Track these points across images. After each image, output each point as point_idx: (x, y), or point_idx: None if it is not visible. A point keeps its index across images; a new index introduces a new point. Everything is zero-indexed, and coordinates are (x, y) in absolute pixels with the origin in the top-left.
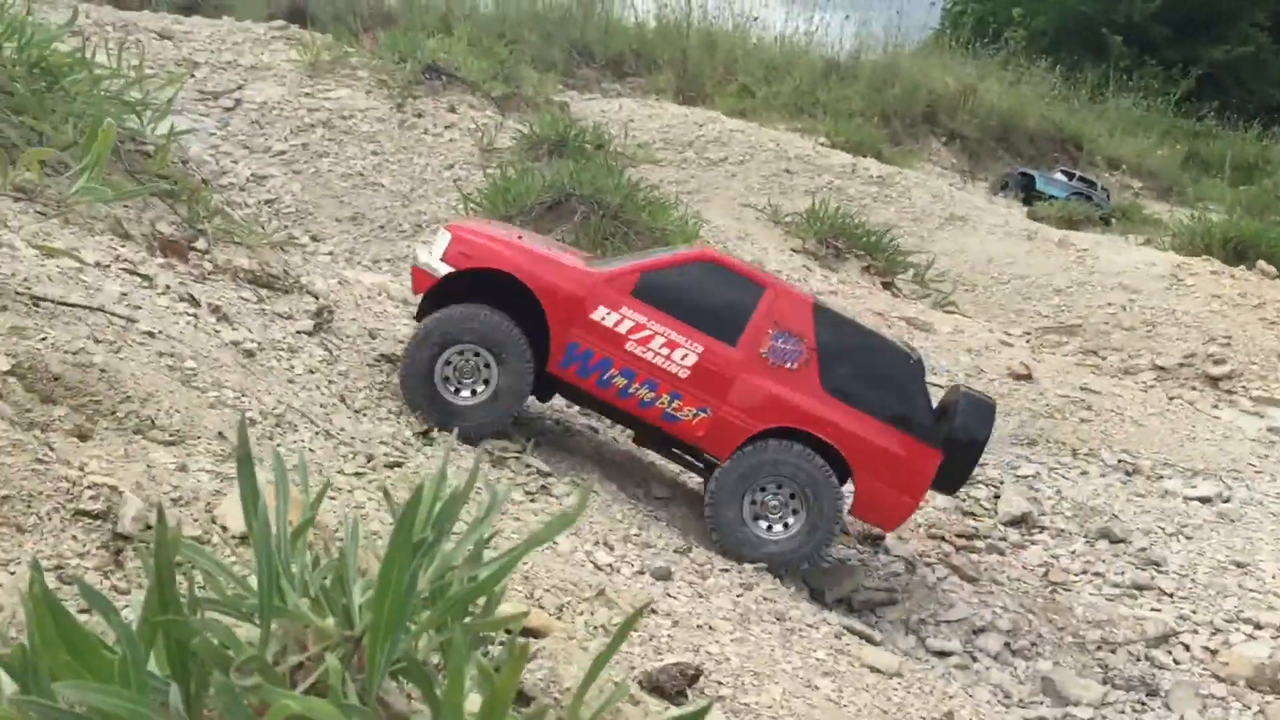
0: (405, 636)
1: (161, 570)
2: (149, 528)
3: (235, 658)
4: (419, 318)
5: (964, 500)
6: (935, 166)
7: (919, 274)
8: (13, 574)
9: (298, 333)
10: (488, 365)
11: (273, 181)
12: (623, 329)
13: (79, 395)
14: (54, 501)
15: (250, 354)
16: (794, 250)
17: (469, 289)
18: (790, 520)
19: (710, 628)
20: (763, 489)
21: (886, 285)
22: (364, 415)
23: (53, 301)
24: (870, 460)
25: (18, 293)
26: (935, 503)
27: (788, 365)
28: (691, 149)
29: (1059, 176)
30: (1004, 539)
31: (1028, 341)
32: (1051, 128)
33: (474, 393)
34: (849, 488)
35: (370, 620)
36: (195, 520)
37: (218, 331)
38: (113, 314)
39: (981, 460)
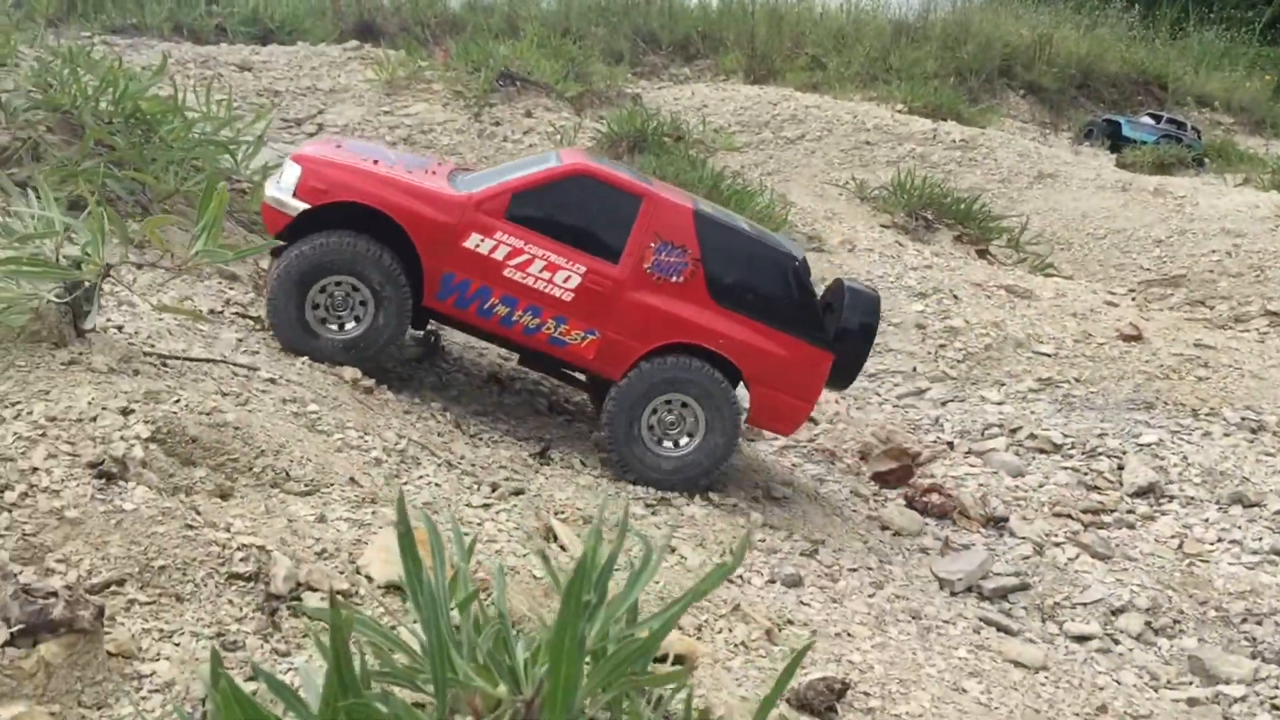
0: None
1: (338, 653)
2: (299, 585)
3: None
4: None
5: (1086, 474)
6: (1015, 121)
7: (1013, 238)
8: (177, 645)
9: (407, 361)
10: (364, 302)
11: None
12: (499, 255)
13: (216, 455)
14: (207, 567)
15: (368, 390)
16: (883, 226)
17: (331, 221)
18: (689, 436)
19: (849, 634)
20: (656, 409)
21: (981, 253)
22: (480, 440)
23: (179, 358)
24: (764, 369)
25: (145, 353)
26: (1057, 479)
27: (673, 278)
28: (768, 129)
29: (1146, 120)
30: (1132, 512)
31: (1133, 300)
32: (1133, 70)
33: (342, 326)
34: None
35: (547, 688)
36: (341, 573)
37: (333, 370)
38: (235, 364)
39: (1101, 431)
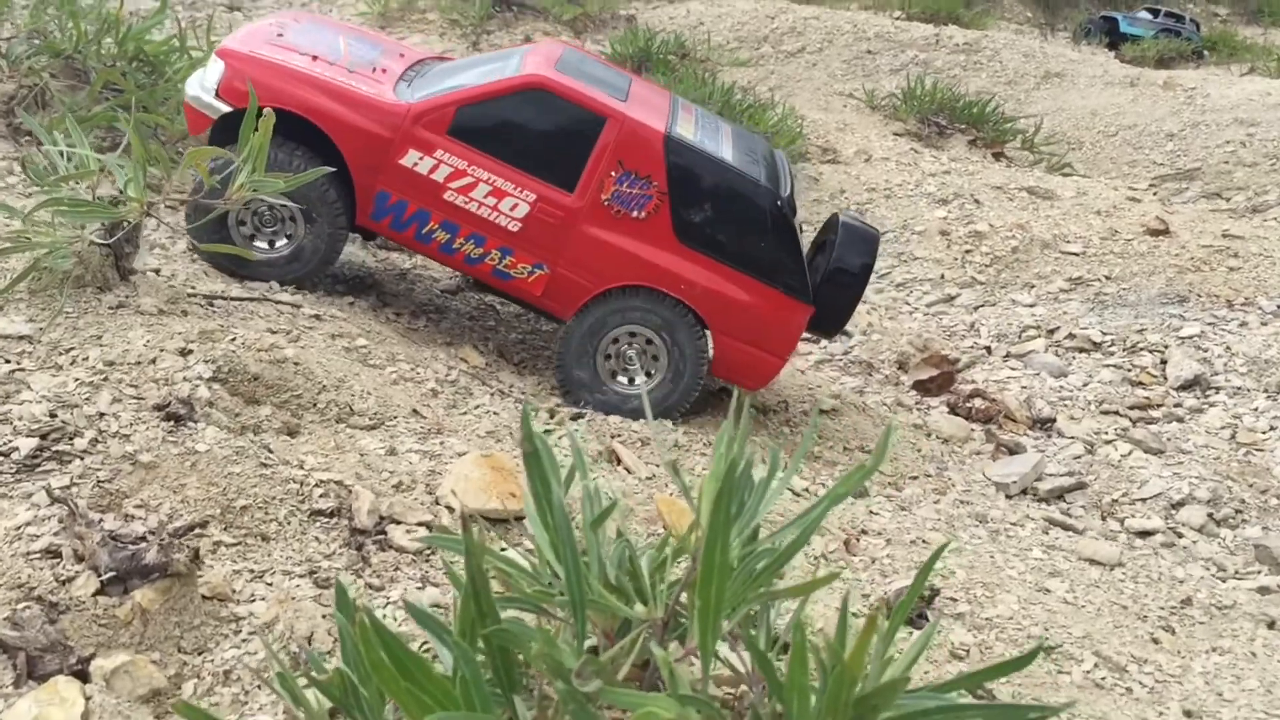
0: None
1: (475, 579)
2: (382, 519)
3: (562, 661)
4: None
5: (1130, 370)
6: (1011, 24)
7: (1028, 139)
8: (269, 585)
9: (442, 293)
10: (292, 218)
11: None
12: (439, 176)
13: (280, 392)
14: (288, 505)
15: (411, 323)
16: (896, 134)
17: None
18: (651, 370)
19: (924, 541)
20: (615, 340)
21: (997, 156)
22: (525, 368)
23: (223, 298)
24: (731, 319)
25: (189, 295)
26: (1101, 377)
27: (634, 213)
28: (766, 43)
29: (1143, 15)
30: (1180, 405)
31: (1155, 194)
32: None
33: (272, 245)
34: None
35: (699, 604)
36: (421, 504)
37: (376, 307)
38: (278, 301)
39: (1140, 326)
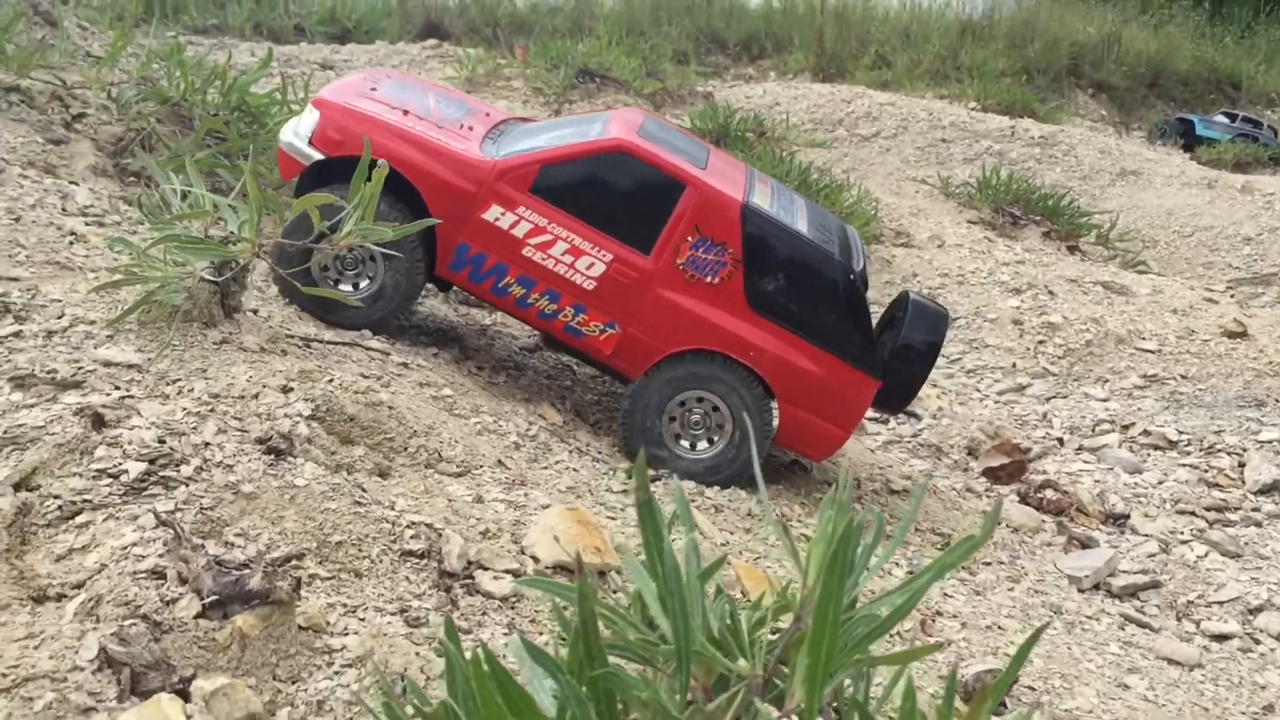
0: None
1: (586, 623)
2: (470, 564)
3: (670, 710)
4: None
5: (1207, 471)
6: (1085, 120)
7: (1103, 235)
8: (362, 620)
9: (521, 350)
10: (373, 259)
11: None
12: (519, 232)
13: (374, 434)
14: (381, 544)
15: (492, 377)
16: (970, 222)
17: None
18: (715, 437)
19: (999, 627)
20: (681, 404)
21: (1072, 249)
22: (600, 429)
23: (320, 341)
24: (797, 389)
25: (287, 336)
26: (1176, 476)
27: (708, 278)
28: (841, 126)
29: (1220, 119)
30: (1258, 510)
31: (1232, 296)
32: (1204, 68)
33: (356, 287)
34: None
35: (807, 662)
36: (508, 552)
37: (459, 359)
38: (369, 347)
39: (1218, 428)
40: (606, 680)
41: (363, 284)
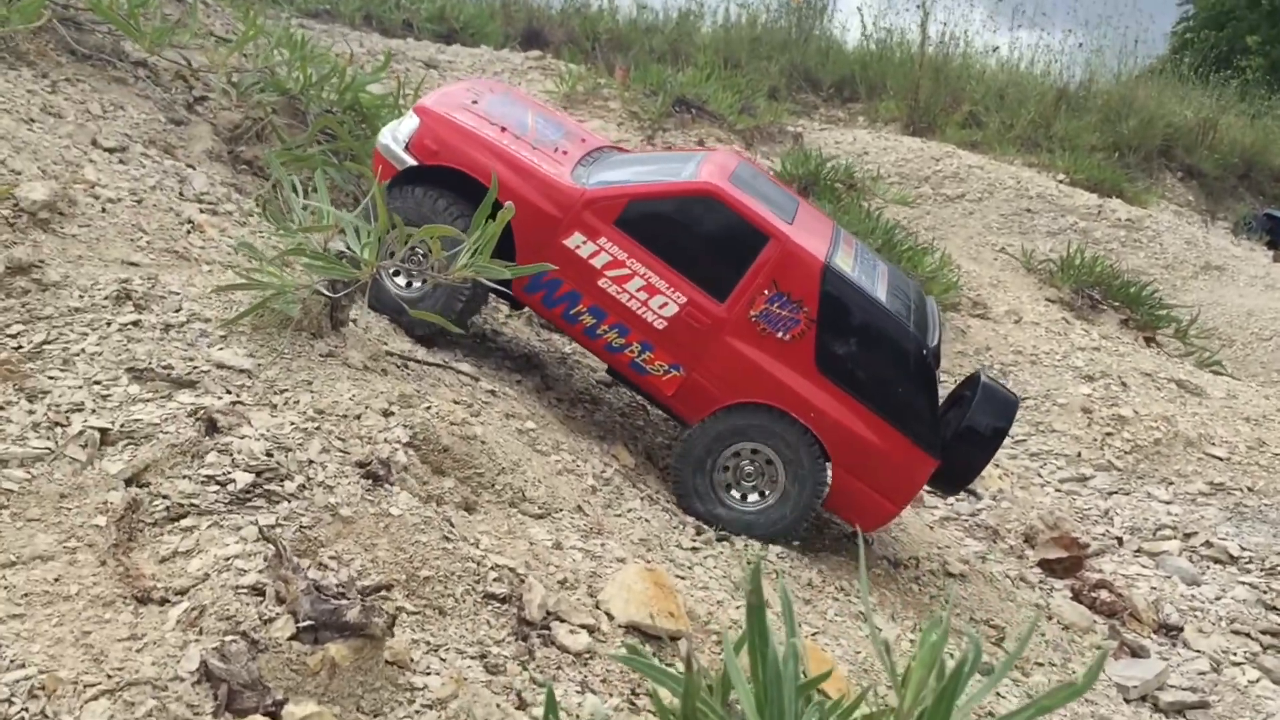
0: None
1: (688, 715)
2: (548, 614)
3: None
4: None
5: (1266, 592)
6: (1171, 204)
7: (1181, 329)
8: (443, 660)
9: (598, 383)
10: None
11: None
12: (598, 262)
13: (464, 468)
14: (465, 584)
15: (570, 410)
16: (1048, 300)
17: (441, 179)
18: (767, 490)
19: None
20: (736, 454)
21: (1149, 341)
22: (669, 476)
23: (415, 361)
24: (854, 457)
25: (386, 353)
26: (1235, 594)
27: (779, 335)
28: (927, 184)
29: None
30: None
31: None
32: None
33: (414, 283)
34: None
35: None
36: (584, 606)
37: (540, 389)
38: (459, 370)
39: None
40: None
41: (423, 283)
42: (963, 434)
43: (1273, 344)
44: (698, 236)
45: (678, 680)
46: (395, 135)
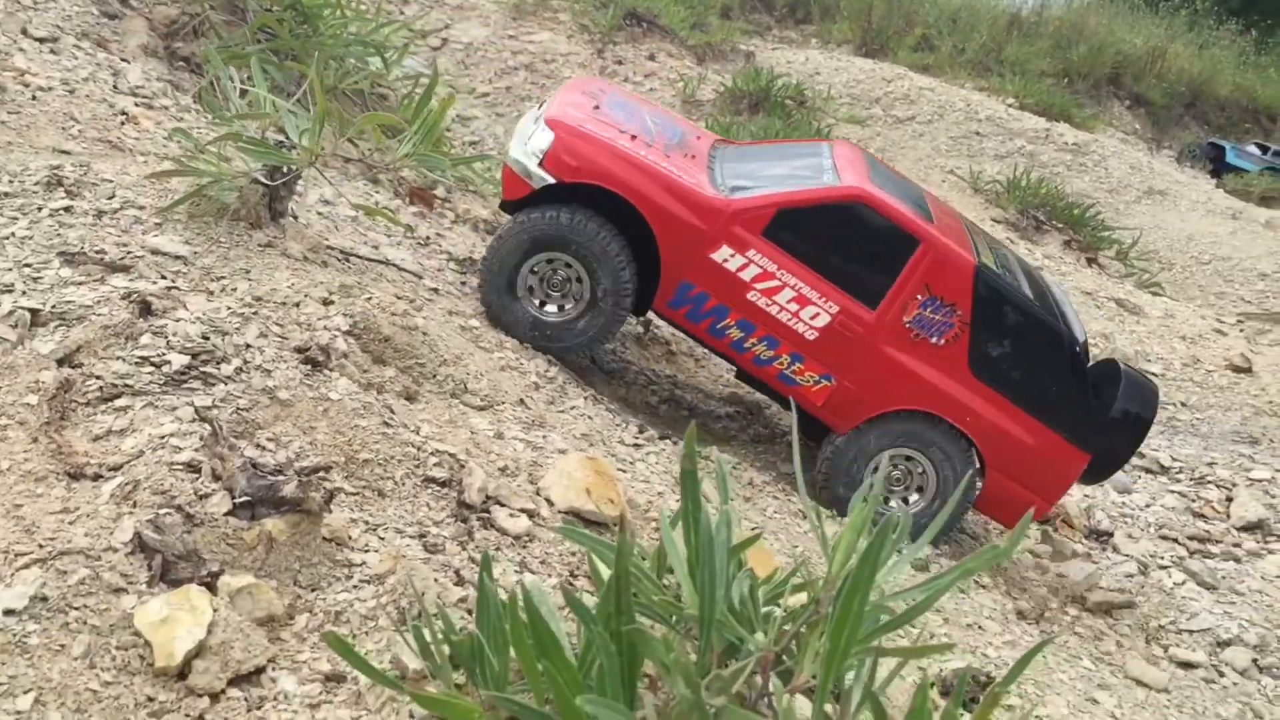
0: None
1: (621, 579)
2: (488, 498)
3: (693, 672)
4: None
5: (1194, 501)
6: (1118, 132)
7: (1122, 251)
8: (382, 539)
9: None
10: (579, 280)
11: (476, 124)
12: (747, 275)
13: (405, 357)
14: (404, 467)
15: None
16: (994, 220)
17: (576, 193)
18: (914, 497)
19: (980, 628)
20: (892, 458)
21: (1090, 261)
22: (615, 379)
23: (356, 256)
24: (1009, 458)
25: (327, 246)
26: (1164, 502)
27: (933, 339)
28: (878, 105)
29: (1252, 149)
30: (1239, 545)
31: (1241, 330)
32: (1244, 96)
33: (561, 309)
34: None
35: (828, 646)
36: (524, 492)
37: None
38: (401, 268)
39: (1211, 459)
40: (633, 636)
41: (567, 306)
42: (1109, 425)
43: (1211, 268)
44: (847, 243)
45: (610, 549)
46: (527, 149)
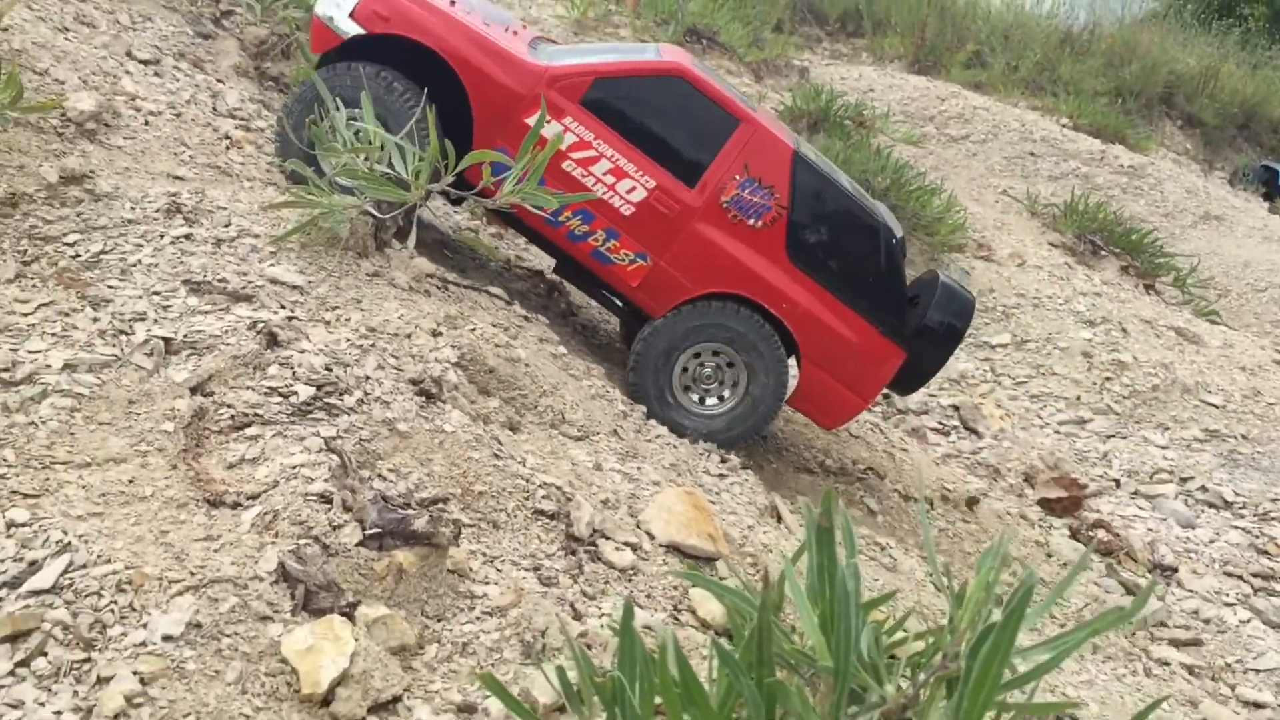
0: None
1: (763, 631)
2: (595, 531)
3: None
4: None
5: (1259, 537)
6: (1170, 152)
7: (1180, 278)
8: (500, 570)
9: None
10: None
11: None
12: (563, 144)
13: (509, 388)
14: (515, 499)
15: (587, 332)
16: (1051, 244)
17: (381, 52)
18: (726, 394)
19: (1060, 668)
20: (697, 355)
21: (1149, 288)
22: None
23: (454, 284)
24: (824, 348)
25: (428, 275)
26: (1228, 538)
27: (750, 221)
28: (932, 124)
29: None
30: None
31: None
32: None
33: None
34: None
35: (965, 705)
36: (626, 525)
37: (566, 314)
38: (494, 294)
39: (1275, 495)
40: (773, 687)
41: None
42: (922, 331)
43: (1267, 295)
44: (666, 119)
45: (746, 600)
46: (338, 2)
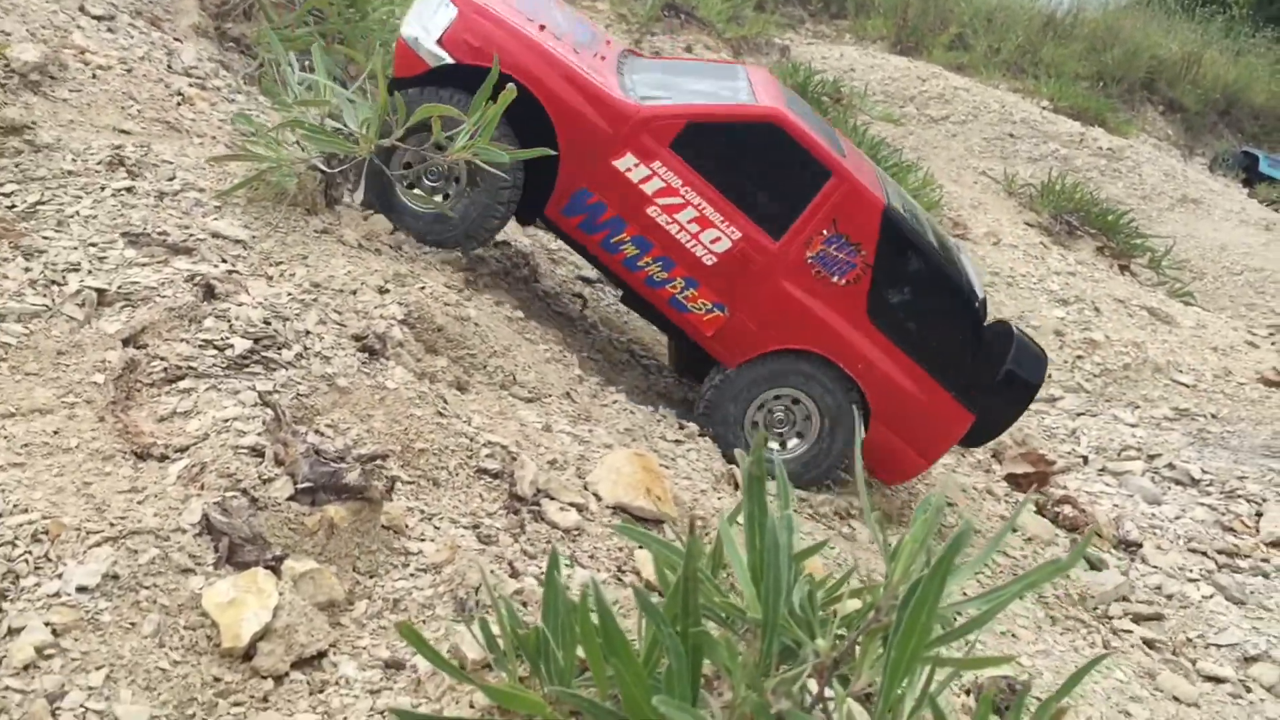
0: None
1: (689, 580)
2: (539, 491)
3: (759, 675)
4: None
5: (1224, 515)
6: (1150, 137)
7: (1155, 259)
8: (438, 529)
9: (578, 278)
10: (457, 179)
11: None
12: (649, 188)
13: (457, 348)
14: (458, 458)
15: (549, 299)
16: (1027, 224)
17: (467, 78)
18: (794, 441)
19: (1014, 635)
20: (777, 397)
21: (1123, 268)
22: (651, 372)
23: (410, 245)
24: (895, 409)
25: (384, 235)
26: (1194, 514)
27: (834, 278)
28: (912, 104)
29: None
30: (1268, 560)
31: (1273, 343)
32: (1279, 105)
33: (435, 196)
34: None
35: (894, 655)
36: (573, 486)
37: (529, 279)
38: (449, 257)
39: (1241, 473)
40: (698, 638)
41: (439, 198)
42: (995, 388)
43: (1242, 278)
44: (756, 167)
45: (676, 551)
46: (425, 25)
